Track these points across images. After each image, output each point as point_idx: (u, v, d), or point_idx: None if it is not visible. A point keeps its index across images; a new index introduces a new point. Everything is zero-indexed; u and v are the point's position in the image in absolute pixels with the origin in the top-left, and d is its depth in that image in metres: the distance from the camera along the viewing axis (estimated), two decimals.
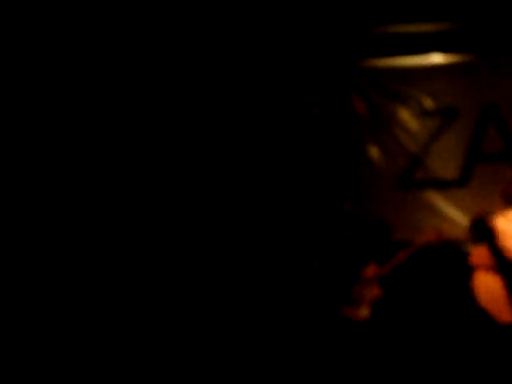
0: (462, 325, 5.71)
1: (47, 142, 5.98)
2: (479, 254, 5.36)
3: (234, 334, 5.21)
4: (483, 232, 5.42)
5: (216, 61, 6.42)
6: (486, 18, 6.13)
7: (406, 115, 6.71)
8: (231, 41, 6.41)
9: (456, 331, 5.79)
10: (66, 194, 5.92)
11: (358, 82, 6.74)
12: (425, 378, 5.43)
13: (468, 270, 5.53)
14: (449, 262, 6.31)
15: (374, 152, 6.79)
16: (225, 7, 6.20)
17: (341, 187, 6.56)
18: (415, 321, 6.11)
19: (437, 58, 6.60)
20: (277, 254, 6.18)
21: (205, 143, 6.32)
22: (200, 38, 6.25)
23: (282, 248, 6.26)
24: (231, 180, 6.38)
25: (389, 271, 5.55)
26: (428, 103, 6.65)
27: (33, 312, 5.06)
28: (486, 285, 5.12)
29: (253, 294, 5.77)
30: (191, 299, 5.45)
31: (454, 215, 6.59)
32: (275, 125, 6.62)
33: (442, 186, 6.62)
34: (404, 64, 6.66)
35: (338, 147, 6.75)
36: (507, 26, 6.23)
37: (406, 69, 6.66)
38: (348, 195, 6.09)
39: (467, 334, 5.55)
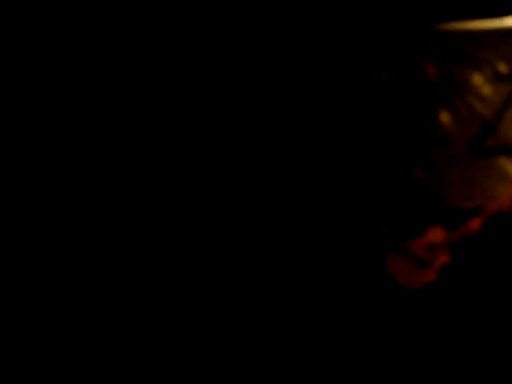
0: None
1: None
2: None
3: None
4: None
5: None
6: None
7: (479, 80, 6.58)
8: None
9: None
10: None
11: (429, 47, 6.62)
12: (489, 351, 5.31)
13: None
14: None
15: (446, 118, 6.67)
16: None
17: (411, 153, 6.44)
18: (483, 291, 5.99)
19: (510, 21, 6.47)
20: (346, 218, 6.08)
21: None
22: None
23: (350, 212, 6.16)
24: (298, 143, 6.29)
25: (459, 238, 5.43)
26: (502, 68, 6.52)
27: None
28: None
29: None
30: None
31: None
32: (346, 90, 6.52)
33: None
34: (477, 28, 6.53)
35: (409, 113, 6.64)
36: None
37: (480, 33, 6.53)
38: (419, 162, 5.96)
39: None
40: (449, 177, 6.49)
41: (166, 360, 3.53)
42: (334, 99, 6.42)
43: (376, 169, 6.47)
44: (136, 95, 5.53)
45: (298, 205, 5.76)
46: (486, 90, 6.58)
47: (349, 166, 6.32)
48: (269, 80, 5.93)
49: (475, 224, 5.31)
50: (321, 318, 4.97)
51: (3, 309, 4.83)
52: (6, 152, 5.94)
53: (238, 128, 5.86)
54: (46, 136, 5.89)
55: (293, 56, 6.28)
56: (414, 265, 5.27)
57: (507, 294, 5.97)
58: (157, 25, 6.00)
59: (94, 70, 5.98)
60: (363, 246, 6.00)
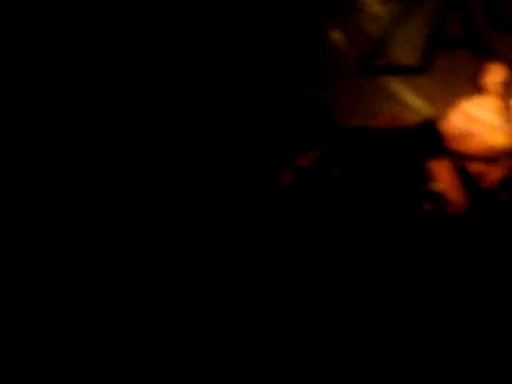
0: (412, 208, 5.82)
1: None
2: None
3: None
4: None
5: None
6: None
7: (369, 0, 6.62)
8: None
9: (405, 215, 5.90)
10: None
11: None
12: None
13: (425, 155, 5.57)
14: (405, 147, 6.38)
15: (336, 35, 6.70)
16: None
17: (302, 71, 6.47)
18: (365, 203, 6.16)
19: None
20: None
21: None
22: None
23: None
24: None
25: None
26: None
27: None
28: (444, 171, 5.17)
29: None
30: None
31: (414, 102, 6.62)
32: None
33: (403, 72, 6.62)
34: None
35: (299, 29, 6.63)
36: None
37: None
38: (309, 79, 5.97)
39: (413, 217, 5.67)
40: (337, 93, 6.57)
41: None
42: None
43: (265, 81, 6.49)
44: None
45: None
46: (377, 8, 6.62)
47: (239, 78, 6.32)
48: None
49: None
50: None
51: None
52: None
53: None
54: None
55: None
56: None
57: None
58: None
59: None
60: (255, 161, 6.05)
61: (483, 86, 5.10)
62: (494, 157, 4.94)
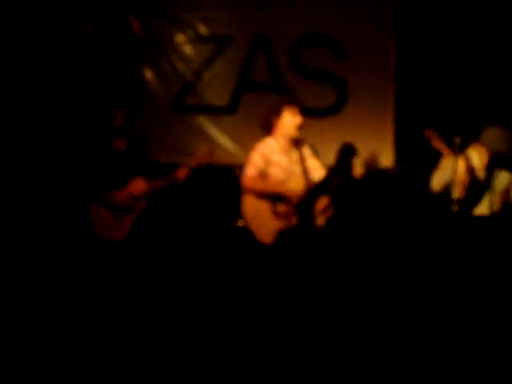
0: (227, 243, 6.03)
1: None
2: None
3: None
4: None
5: None
6: None
7: (181, 40, 6.82)
8: None
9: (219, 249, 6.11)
10: None
11: (135, 4, 6.72)
12: None
13: (236, 193, 5.76)
14: (218, 185, 6.61)
15: (149, 75, 6.84)
16: None
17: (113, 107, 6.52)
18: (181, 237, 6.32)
19: None
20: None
21: None
22: None
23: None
24: None
25: (157, 189, 5.55)
26: (202, 29, 6.81)
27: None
28: (253, 207, 5.32)
29: None
30: None
31: (223, 140, 6.87)
32: (49, 43, 6.46)
33: (212, 111, 6.86)
34: None
35: (114, 67, 6.71)
36: None
37: None
38: (120, 115, 6.00)
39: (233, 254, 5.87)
40: (151, 131, 6.69)
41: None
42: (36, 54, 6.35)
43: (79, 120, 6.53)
44: None
45: None
46: (188, 49, 6.83)
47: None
48: None
49: (182, 172, 5.46)
50: None
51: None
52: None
53: None
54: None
55: None
56: (113, 216, 5.36)
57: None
58: None
59: None
60: (67, 195, 6.03)
61: (276, 128, 5.32)
62: (293, 199, 5.17)
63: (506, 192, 5.39)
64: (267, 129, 5.41)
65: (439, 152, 5.69)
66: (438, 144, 5.62)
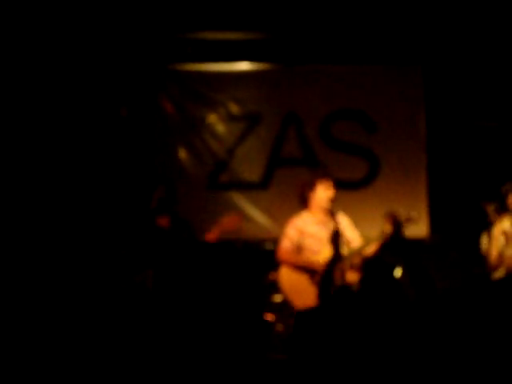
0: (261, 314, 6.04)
1: None
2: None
3: None
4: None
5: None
6: (289, 30, 6.54)
7: (213, 119, 6.99)
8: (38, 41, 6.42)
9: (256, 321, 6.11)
10: None
11: (168, 85, 6.93)
12: None
13: (269, 266, 5.79)
14: (250, 259, 6.64)
15: (183, 154, 6.99)
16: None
17: (151, 187, 6.66)
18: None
19: (243, 66, 6.96)
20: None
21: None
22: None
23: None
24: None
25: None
26: (234, 108, 6.98)
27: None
28: (290, 279, 5.37)
29: None
30: None
31: (256, 216, 6.94)
32: (84, 125, 6.67)
33: (246, 188, 6.97)
34: (213, 70, 6.95)
35: (148, 148, 6.89)
36: (309, 39, 6.70)
37: (215, 74, 6.96)
38: (157, 196, 6.12)
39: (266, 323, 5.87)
40: (186, 209, 6.77)
41: None
42: (73, 136, 6.57)
43: (118, 204, 6.67)
44: None
45: None
46: (220, 128, 7.00)
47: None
48: None
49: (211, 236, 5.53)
50: None
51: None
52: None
53: None
54: None
55: None
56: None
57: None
58: None
59: None
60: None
61: (311, 200, 5.40)
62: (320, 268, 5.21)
63: None
64: (302, 202, 5.49)
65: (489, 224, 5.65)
66: (493, 216, 5.62)
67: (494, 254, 5.38)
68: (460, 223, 6.05)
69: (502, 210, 5.41)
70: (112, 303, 5.54)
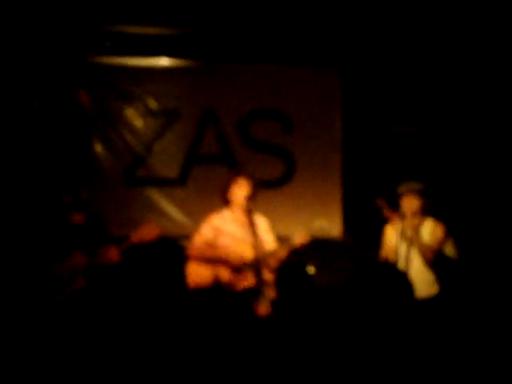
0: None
1: None
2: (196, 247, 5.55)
3: None
4: None
5: None
6: (210, 26, 6.54)
7: (131, 114, 6.92)
8: None
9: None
10: None
11: (85, 78, 6.82)
12: None
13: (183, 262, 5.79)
14: (165, 255, 6.62)
15: (99, 148, 6.90)
16: None
17: (65, 181, 6.55)
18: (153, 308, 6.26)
19: (163, 61, 6.91)
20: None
21: None
22: None
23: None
24: None
25: (97, 264, 5.47)
26: (152, 104, 6.93)
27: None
28: (197, 275, 5.39)
29: None
30: None
31: (173, 212, 6.92)
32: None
33: (163, 184, 6.93)
34: (132, 64, 6.87)
35: (63, 141, 6.76)
36: (229, 37, 6.72)
37: (134, 69, 6.89)
38: (70, 189, 6.01)
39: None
40: (100, 204, 6.69)
41: None
42: None
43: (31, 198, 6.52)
44: None
45: None
46: (137, 123, 6.93)
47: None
48: None
49: (112, 253, 5.32)
50: None
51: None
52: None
53: None
54: None
55: None
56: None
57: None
58: None
59: None
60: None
61: (230, 199, 5.43)
62: (238, 266, 5.25)
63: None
64: (223, 201, 5.52)
65: (388, 220, 5.80)
66: (388, 213, 5.74)
67: (384, 249, 5.59)
68: (372, 223, 6.18)
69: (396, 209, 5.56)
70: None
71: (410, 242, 5.38)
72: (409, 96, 6.95)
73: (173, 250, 6.52)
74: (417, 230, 5.45)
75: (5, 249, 6.29)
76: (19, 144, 6.62)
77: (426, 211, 5.52)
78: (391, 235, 5.57)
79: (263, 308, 5.23)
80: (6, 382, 4.07)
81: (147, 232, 5.47)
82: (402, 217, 5.43)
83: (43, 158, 6.72)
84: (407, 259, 5.34)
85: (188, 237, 5.77)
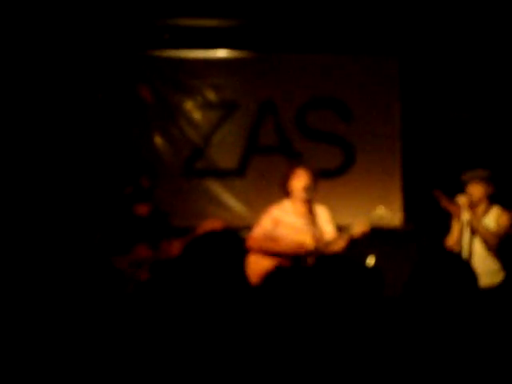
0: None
1: None
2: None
3: None
4: None
5: None
6: (268, 17, 6.54)
7: (190, 106, 6.97)
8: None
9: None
10: None
11: (145, 71, 6.90)
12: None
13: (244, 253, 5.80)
14: (226, 247, 6.63)
15: (159, 141, 6.97)
16: None
17: (126, 173, 6.64)
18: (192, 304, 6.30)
19: (220, 53, 6.94)
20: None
21: None
22: None
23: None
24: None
25: (161, 257, 5.53)
26: (211, 96, 6.97)
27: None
28: (258, 267, 5.37)
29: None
30: None
31: (232, 203, 6.96)
32: (61, 111, 6.63)
33: (222, 175, 6.97)
34: (190, 57, 6.92)
35: (124, 134, 6.86)
36: (287, 27, 6.71)
37: (192, 61, 6.94)
38: (132, 180, 6.09)
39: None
40: (161, 196, 6.76)
41: None
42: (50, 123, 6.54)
43: (93, 191, 6.64)
44: None
45: None
46: (197, 115, 6.99)
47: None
48: None
49: (175, 247, 5.41)
50: None
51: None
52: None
53: None
54: None
55: None
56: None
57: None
58: None
59: None
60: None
61: (290, 190, 5.43)
62: (299, 255, 5.26)
63: None
64: (284, 192, 5.52)
65: (448, 212, 5.72)
66: (446, 204, 5.67)
67: (451, 240, 5.51)
68: (433, 212, 6.10)
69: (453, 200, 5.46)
70: (88, 289, 5.53)
71: (472, 231, 5.31)
72: (468, 83, 6.83)
73: (233, 242, 6.54)
74: (481, 217, 5.38)
75: (67, 241, 6.44)
76: (83, 137, 6.74)
77: (491, 199, 5.43)
78: (457, 225, 5.51)
79: None
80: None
81: (211, 226, 5.53)
82: (468, 205, 5.35)
83: (106, 150, 6.83)
84: (470, 248, 5.28)
85: (248, 228, 5.79)
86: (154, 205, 5.68)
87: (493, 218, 5.41)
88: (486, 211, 5.42)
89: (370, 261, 5.85)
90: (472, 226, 5.32)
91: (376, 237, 5.65)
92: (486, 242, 5.31)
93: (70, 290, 5.90)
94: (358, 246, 5.53)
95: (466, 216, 5.36)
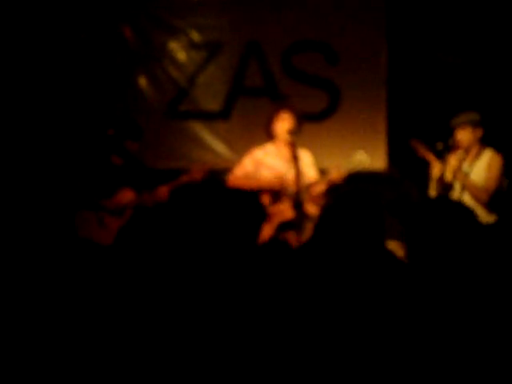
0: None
1: None
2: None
3: None
4: None
5: None
6: None
7: (174, 47, 6.87)
8: None
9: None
10: None
11: (128, 12, 6.78)
12: None
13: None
14: (212, 190, 6.61)
15: (143, 82, 6.89)
16: None
17: (109, 114, 6.59)
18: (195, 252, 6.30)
19: None
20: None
21: None
22: None
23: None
24: None
25: (149, 202, 5.51)
26: (195, 36, 6.86)
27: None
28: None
29: None
30: None
31: (216, 146, 6.92)
32: (44, 51, 6.53)
33: (206, 117, 6.92)
34: None
35: (107, 74, 6.76)
36: None
37: (176, 2, 6.83)
38: (115, 122, 6.02)
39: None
40: (146, 138, 6.71)
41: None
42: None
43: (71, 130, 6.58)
44: None
45: None
46: (181, 56, 6.88)
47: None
48: None
49: (163, 191, 5.41)
50: None
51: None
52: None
53: None
54: None
55: None
56: (96, 223, 5.39)
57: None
58: None
59: None
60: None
61: (274, 133, 5.38)
62: (278, 191, 5.24)
63: None
64: (267, 135, 5.47)
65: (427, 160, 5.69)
66: (423, 153, 5.64)
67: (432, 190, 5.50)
68: (419, 160, 6.09)
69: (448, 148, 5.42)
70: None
71: (461, 183, 5.31)
72: (456, 26, 6.74)
73: (216, 184, 6.53)
74: (472, 164, 5.35)
75: (47, 183, 6.40)
76: (65, 76, 6.65)
77: (482, 142, 5.39)
78: (436, 172, 5.49)
79: (293, 238, 5.20)
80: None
81: (197, 171, 5.53)
82: (457, 150, 5.32)
83: (87, 91, 6.74)
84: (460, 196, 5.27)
85: (230, 170, 5.78)
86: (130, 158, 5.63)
87: (485, 161, 5.37)
88: (478, 155, 5.39)
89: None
90: (459, 181, 5.32)
91: (360, 180, 5.62)
92: (475, 197, 5.28)
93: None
94: (339, 189, 5.51)
95: (453, 164, 5.33)
